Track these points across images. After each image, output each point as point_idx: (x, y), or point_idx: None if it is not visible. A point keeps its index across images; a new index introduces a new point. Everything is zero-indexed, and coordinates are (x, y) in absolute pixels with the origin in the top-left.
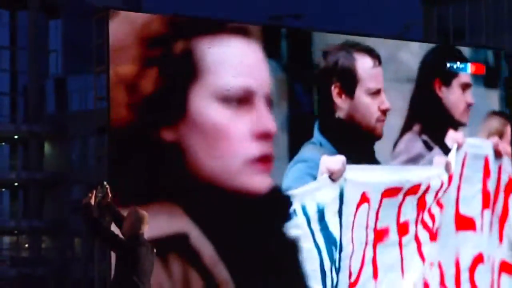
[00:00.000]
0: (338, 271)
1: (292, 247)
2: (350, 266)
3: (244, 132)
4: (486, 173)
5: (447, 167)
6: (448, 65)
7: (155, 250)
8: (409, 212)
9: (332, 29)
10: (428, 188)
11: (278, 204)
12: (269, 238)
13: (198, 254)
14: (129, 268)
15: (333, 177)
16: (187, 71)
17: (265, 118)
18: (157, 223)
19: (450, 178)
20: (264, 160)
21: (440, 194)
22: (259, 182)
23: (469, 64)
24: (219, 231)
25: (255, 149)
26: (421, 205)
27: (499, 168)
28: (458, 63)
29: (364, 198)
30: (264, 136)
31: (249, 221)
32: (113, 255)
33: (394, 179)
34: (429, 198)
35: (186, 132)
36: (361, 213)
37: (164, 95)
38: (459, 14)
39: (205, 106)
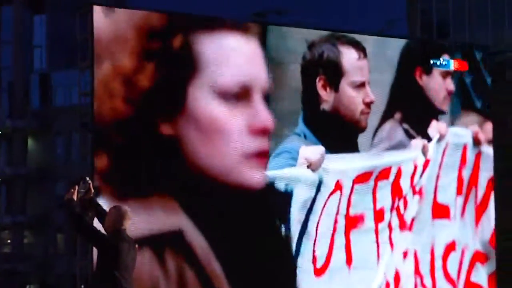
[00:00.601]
0: (297, 254)
1: (285, 241)
2: (314, 252)
3: (241, 127)
4: (463, 160)
5: (424, 149)
6: (431, 61)
7: (137, 246)
8: (385, 198)
9: (317, 23)
10: (399, 172)
11: (273, 198)
12: (264, 232)
13: (192, 250)
14: (111, 263)
15: (311, 167)
16: (185, 66)
17: (263, 114)
18: (154, 219)
19: (426, 163)
20: (260, 155)
21: (415, 180)
22: (255, 177)
23: (452, 61)
24: (215, 226)
25: (252, 144)
26: (395, 191)
27: (477, 155)
28: (442, 59)
29: (337, 186)
30: (261, 132)
31: (245, 216)
32: (95, 250)
33: (366, 165)
34: (405, 184)
35: (184, 126)
36: (333, 200)
37: (162, 89)
38: (443, 9)
39: (203, 101)
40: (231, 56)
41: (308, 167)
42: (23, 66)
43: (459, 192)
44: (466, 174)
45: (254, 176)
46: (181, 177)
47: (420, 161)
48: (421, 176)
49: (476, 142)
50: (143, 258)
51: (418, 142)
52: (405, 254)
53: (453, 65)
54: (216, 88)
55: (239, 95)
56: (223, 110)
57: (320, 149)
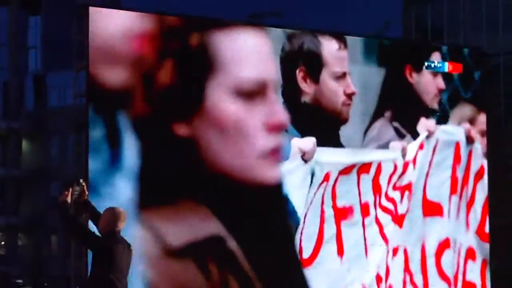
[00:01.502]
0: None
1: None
2: (300, 241)
3: (259, 125)
4: (457, 159)
5: (403, 151)
6: (426, 63)
7: (131, 248)
8: (368, 193)
9: (312, 26)
10: (379, 169)
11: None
12: (280, 229)
13: (232, 254)
14: (105, 265)
15: (305, 157)
16: (203, 66)
17: (278, 110)
18: (187, 225)
19: (406, 165)
20: (276, 151)
21: (394, 179)
22: (273, 174)
23: (446, 63)
24: (240, 226)
25: (270, 141)
26: (376, 188)
27: (469, 153)
28: (436, 62)
29: (326, 178)
30: (277, 128)
31: (264, 213)
32: (89, 252)
33: (352, 160)
34: (383, 182)
35: (201, 126)
36: (320, 191)
37: (180, 89)
38: (438, 12)
39: (220, 100)
40: (247, 54)
41: (302, 157)
42: (17, 67)
43: (453, 191)
44: (460, 172)
45: (271, 173)
46: (202, 178)
47: (400, 162)
48: (400, 177)
49: (469, 140)
50: (187, 268)
51: (396, 144)
52: (394, 251)
53: (447, 67)
54: (234, 86)
55: (256, 93)
56: (240, 109)
57: (312, 139)
